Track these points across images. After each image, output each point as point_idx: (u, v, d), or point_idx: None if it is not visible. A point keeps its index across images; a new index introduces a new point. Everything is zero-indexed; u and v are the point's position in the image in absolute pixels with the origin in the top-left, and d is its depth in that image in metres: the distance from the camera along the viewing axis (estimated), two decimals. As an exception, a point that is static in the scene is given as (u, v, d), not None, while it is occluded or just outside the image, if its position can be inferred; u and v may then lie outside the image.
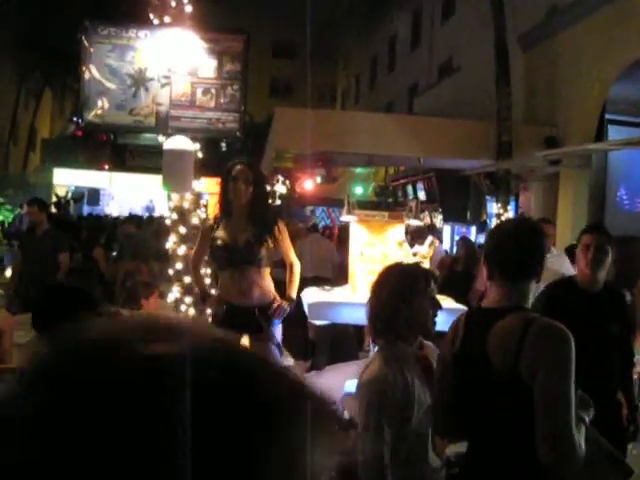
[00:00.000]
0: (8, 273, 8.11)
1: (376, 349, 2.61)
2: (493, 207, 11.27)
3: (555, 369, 2.05)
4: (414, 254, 5.42)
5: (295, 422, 0.47)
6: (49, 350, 0.49)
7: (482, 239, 10.52)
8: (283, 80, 34.71)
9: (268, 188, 7.31)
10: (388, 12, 22.35)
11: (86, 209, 23.02)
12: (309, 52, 26.84)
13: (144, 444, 0.42)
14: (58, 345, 0.50)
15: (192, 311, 6.16)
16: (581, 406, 2.14)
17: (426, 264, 4.92)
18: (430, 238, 6.30)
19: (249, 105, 8.28)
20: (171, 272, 6.37)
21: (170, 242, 6.44)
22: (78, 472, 0.41)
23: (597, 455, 2.26)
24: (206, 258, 4.63)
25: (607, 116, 9.60)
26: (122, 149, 20.32)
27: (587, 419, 2.15)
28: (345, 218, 5.25)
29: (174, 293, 6.27)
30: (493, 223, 10.60)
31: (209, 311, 4.76)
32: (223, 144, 8.10)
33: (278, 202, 16.42)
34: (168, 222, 6.68)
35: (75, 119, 10.69)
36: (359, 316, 2.96)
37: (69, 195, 21.08)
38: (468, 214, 13.75)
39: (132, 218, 13.43)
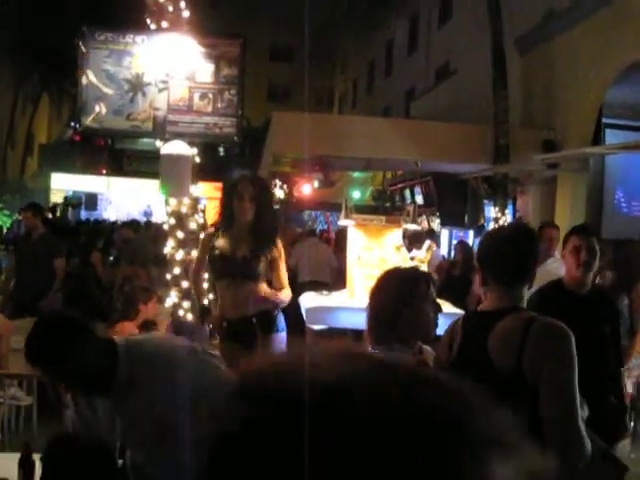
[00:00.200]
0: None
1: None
2: (491, 211, 11.25)
3: (559, 364, 2.07)
4: (412, 258, 5.42)
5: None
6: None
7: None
8: (280, 84, 34.75)
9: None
10: (385, 17, 22.38)
11: (84, 214, 23.02)
12: (307, 56, 26.87)
13: None
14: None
15: (190, 316, 6.16)
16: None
17: (424, 268, 4.91)
18: (428, 242, 6.29)
19: (246, 109, 8.26)
20: (169, 277, 6.37)
21: (168, 247, 6.44)
22: None
23: (595, 452, 2.26)
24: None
25: (604, 120, 9.61)
26: (120, 154, 20.28)
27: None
28: (343, 222, 5.24)
29: (172, 298, 6.27)
30: (491, 227, 10.59)
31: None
32: (221, 149, 8.06)
33: (276, 207, 16.39)
34: (166, 227, 6.68)
35: (72, 124, 10.68)
36: (357, 320, 2.95)
37: (66, 201, 21.07)
38: (466, 218, 13.72)
39: (130, 223, 13.40)
